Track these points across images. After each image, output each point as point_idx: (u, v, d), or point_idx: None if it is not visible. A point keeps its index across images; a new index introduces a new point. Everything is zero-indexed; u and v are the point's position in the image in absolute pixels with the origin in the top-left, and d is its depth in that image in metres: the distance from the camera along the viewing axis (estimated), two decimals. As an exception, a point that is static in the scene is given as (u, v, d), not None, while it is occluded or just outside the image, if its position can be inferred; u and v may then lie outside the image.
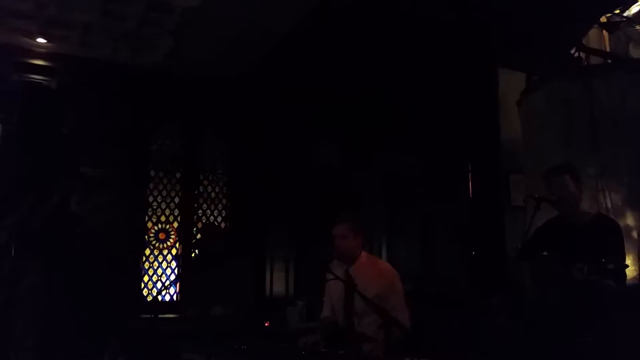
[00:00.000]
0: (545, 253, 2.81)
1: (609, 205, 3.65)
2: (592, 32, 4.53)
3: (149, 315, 4.10)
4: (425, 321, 3.57)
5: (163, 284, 5.37)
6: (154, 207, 5.49)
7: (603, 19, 4.35)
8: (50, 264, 4.49)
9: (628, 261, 2.85)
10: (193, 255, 5.52)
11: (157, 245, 5.44)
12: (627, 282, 2.71)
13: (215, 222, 5.73)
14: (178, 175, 5.66)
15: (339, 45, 4.57)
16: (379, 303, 3.01)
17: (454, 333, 3.69)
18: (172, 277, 5.44)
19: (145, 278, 5.34)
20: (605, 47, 4.65)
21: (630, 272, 2.77)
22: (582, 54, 4.34)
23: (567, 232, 2.94)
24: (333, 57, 4.76)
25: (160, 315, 4.43)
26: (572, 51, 4.32)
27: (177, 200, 5.61)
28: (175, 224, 5.57)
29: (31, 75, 5.03)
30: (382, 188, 4.92)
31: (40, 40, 4.88)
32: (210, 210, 5.77)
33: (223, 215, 5.82)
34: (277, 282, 5.57)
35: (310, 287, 3.79)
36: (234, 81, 5.58)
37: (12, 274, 4.27)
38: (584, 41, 4.44)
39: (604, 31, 4.55)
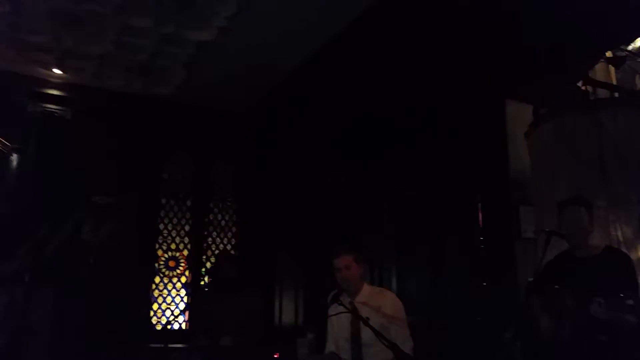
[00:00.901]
0: (556, 287, 2.82)
1: (620, 237, 3.65)
2: (599, 66, 4.59)
3: (158, 345, 4.09)
4: (435, 353, 3.56)
5: (172, 312, 5.37)
6: (164, 234, 5.53)
7: (609, 54, 4.42)
8: (63, 291, 4.53)
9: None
10: (203, 283, 5.53)
11: (166, 273, 5.46)
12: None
13: (226, 250, 5.76)
14: (189, 203, 5.72)
15: (345, 79, 4.66)
16: (385, 333, 3.02)
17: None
18: (182, 305, 5.44)
19: (155, 306, 5.35)
20: (612, 80, 4.70)
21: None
22: (589, 87, 4.39)
23: (578, 265, 2.94)
24: (340, 91, 4.84)
25: (169, 345, 4.43)
26: (580, 84, 4.37)
27: (187, 228, 5.66)
28: (185, 252, 5.60)
29: (47, 105, 5.13)
30: (392, 219, 4.94)
31: (56, 71, 4.99)
32: (220, 238, 5.80)
33: (232, 243, 5.85)
34: (287, 313, 5.56)
35: (319, 319, 3.78)
36: (245, 112, 5.67)
37: (25, 301, 4.30)
38: (591, 74, 4.49)
39: (610, 65, 4.61)
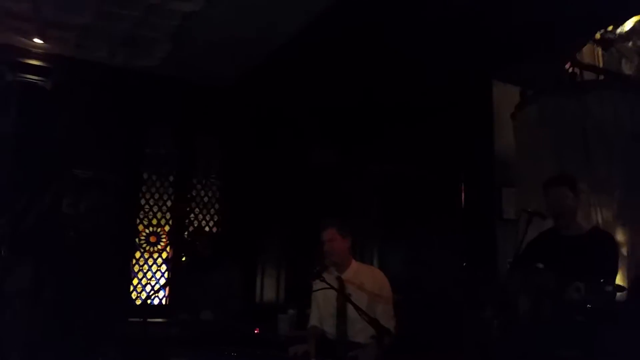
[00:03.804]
0: (539, 265, 2.83)
1: (600, 220, 3.69)
2: (586, 48, 4.59)
3: (138, 319, 4.07)
4: (416, 331, 3.59)
5: (152, 287, 5.35)
6: (146, 209, 5.47)
7: (597, 36, 4.41)
8: (41, 265, 4.47)
9: (618, 277, 2.87)
10: (183, 259, 5.50)
11: (147, 248, 5.41)
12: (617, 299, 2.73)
13: (207, 227, 5.72)
14: (171, 178, 5.65)
15: (334, 55, 4.60)
16: (370, 311, 3.03)
17: (444, 344, 3.70)
18: (162, 280, 5.41)
19: (135, 281, 5.31)
20: (598, 63, 4.70)
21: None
22: (576, 69, 4.39)
23: (562, 244, 2.96)
24: (328, 67, 4.78)
25: (149, 319, 4.41)
26: (567, 66, 4.37)
27: (169, 203, 5.60)
28: (167, 228, 5.54)
29: (26, 75, 5.01)
30: (375, 197, 4.94)
31: (37, 40, 4.86)
32: (202, 214, 5.76)
33: (215, 220, 5.81)
34: (268, 289, 5.56)
35: (301, 295, 3.79)
36: (229, 87, 5.59)
37: (2, 274, 4.25)
38: (577, 56, 4.49)
39: (595, 47, 4.61)
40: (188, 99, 5.59)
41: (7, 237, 4.40)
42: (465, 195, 4.23)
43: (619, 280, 2.77)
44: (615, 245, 2.96)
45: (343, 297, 3.21)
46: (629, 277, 3.59)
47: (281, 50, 4.83)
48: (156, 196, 5.54)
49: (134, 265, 5.32)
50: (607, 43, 4.39)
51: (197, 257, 4.49)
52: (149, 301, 5.14)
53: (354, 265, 3.46)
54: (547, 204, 3.03)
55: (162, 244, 5.47)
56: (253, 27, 4.56)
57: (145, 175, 5.51)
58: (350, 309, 3.19)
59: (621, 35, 4.43)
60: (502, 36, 4.05)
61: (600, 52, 4.59)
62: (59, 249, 4.64)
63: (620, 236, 3.67)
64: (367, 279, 3.36)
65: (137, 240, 5.36)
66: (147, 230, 5.43)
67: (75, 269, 4.62)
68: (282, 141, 5.77)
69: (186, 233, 5.57)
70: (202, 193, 5.81)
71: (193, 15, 4.37)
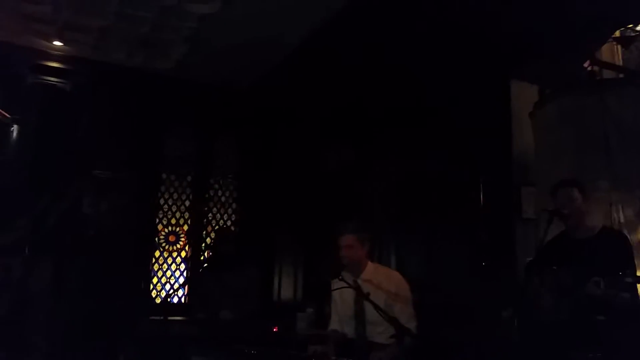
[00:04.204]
0: (554, 267, 2.83)
1: (622, 219, 3.65)
2: (606, 46, 4.54)
3: (158, 317, 4.12)
4: (435, 331, 3.58)
5: (172, 286, 5.41)
6: (165, 209, 5.53)
7: (617, 34, 4.36)
8: (62, 264, 4.54)
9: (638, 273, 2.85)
10: (202, 258, 5.56)
11: (167, 247, 5.48)
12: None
13: (226, 226, 5.77)
14: (189, 178, 5.71)
15: (349, 55, 4.60)
16: (389, 310, 3.04)
17: (464, 344, 3.69)
18: (181, 279, 5.47)
19: (155, 280, 5.38)
20: (618, 61, 4.65)
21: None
22: (596, 68, 4.35)
23: (575, 246, 2.95)
24: (345, 66, 4.78)
25: (169, 318, 4.45)
26: (586, 64, 4.33)
27: (187, 203, 5.66)
28: (185, 227, 5.61)
29: (47, 78, 5.08)
30: (393, 196, 4.93)
31: (57, 43, 4.93)
32: (220, 214, 5.81)
33: (232, 219, 5.85)
34: (286, 288, 5.59)
35: (319, 294, 3.81)
36: (246, 87, 5.62)
37: (24, 273, 4.32)
38: (597, 55, 4.44)
39: (617, 45, 4.56)
40: (205, 100, 5.64)
41: (30, 237, 4.48)
42: (484, 194, 4.20)
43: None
44: (626, 241, 2.95)
45: (361, 298, 3.22)
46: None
47: (296, 52, 4.84)
48: (175, 196, 5.60)
49: (154, 264, 5.38)
50: (627, 41, 4.33)
51: (221, 257, 4.53)
52: (168, 299, 5.20)
53: (371, 267, 3.47)
54: (555, 205, 3.02)
55: (181, 243, 5.53)
56: (269, 29, 4.58)
57: (164, 176, 5.58)
58: (368, 310, 3.21)
59: (641, 32, 4.38)
60: (520, 34, 4.01)
61: (620, 50, 4.54)
62: (80, 248, 4.71)
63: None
64: (384, 279, 3.37)
65: (156, 239, 5.42)
66: (166, 230, 5.50)
67: (96, 268, 4.69)
68: (298, 141, 5.78)
69: (204, 232, 5.62)
70: (220, 193, 5.86)
71: (209, 17, 4.40)
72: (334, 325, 3.52)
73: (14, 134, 4.69)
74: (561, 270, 2.81)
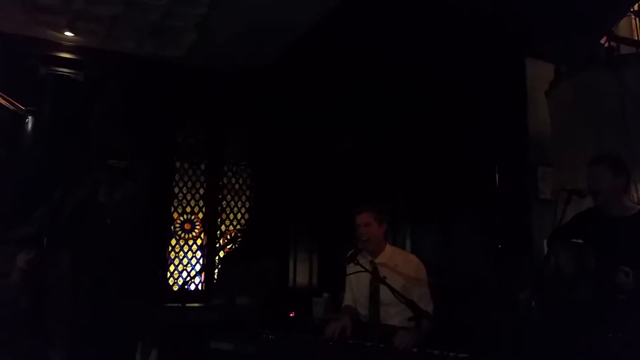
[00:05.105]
0: (581, 244, 2.74)
1: (640, 198, 3.58)
2: (624, 20, 4.43)
3: (176, 304, 4.16)
4: (452, 314, 3.57)
5: (189, 273, 5.45)
6: (180, 198, 5.56)
7: (635, 7, 4.26)
8: (79, 254, 4.58)
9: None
10: (218, 245, 5.59)
11: (182, 235, 5.51)
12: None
13: (239, 214, 5.78)
14: (203, 166, 5.72)
15: (363, 38, 4.54)
16: (406, 294, 3.02)
17: (481, 327, 3.67)
18: (198, 267, 5.51)
19: (171, 268, 5.42)
20: (636, 36, 4.55)
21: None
22: (613, 43, 4.25)
23: (606, 225, 2.82)
24: (354, 51, 4.73)
25: (186, 304, 4.50)
26: (603, 40, 4.24)
27: (202, 191, 5.68)
28: (200, 215, 5.63)
29: (59, 69, 5.10)
30: (407, 180, 4.90)
31: (68, 33, 4.94)
32: (234, 201, 5.82)
33: (247, 206, 5.87)
34: (302, 273, 5.60)
35: (335, 279, 3.81)
36: (257, 74, 5.59)
37: (43, 263, 4.36)
38: (614, 30, 4.34)
39: (636, 19, 4.45)
40: (216, 88, 5.63)
41: (47, 227, 4.51)
42: (500, 175, 4.15)
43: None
44: None
45: (377, 281, 3.20)
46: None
47: (307, 38, 4.80)
48: (189, 184, 5.62)
49: (170, 252, 5.42)
50: (646, 13, 4.24)
51: (239, 243, 4.55)
52: (185, 287, 5.24)
53: (389, 249, 3.45)
54: (587, 182, 2.94)
55: (196, 231, 5.56)
56: (278, 14, 4.53)
57: (177, 164, 5.59)
58: (383, 292, 3.19)
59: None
60: (535, 11, 3.93)
61: (638, 24, 4.44)
62: (97, 237, 4.75)
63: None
64: (401, 262, 3.35)
65: (172, 227, 5.45)
66: (181, 218, 5.53)
67: (113, 256, 4.72)
68: (311, 127, 5.76)
69: (219, 219, 5.65)
70: (233, 180, 5.87)
71: (219, 3, 4.37)
72: (348, 302, 3.52)
73: (29, 125, 4.72)
74: (589, 249, 2.72)
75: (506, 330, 3.47)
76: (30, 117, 4.62)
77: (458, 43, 4.29)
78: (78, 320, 4.43)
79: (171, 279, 5.40)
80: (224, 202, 5.76)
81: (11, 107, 4.42)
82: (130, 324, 4.28)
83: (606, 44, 4.24)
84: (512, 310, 3.58)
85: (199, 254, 5.56)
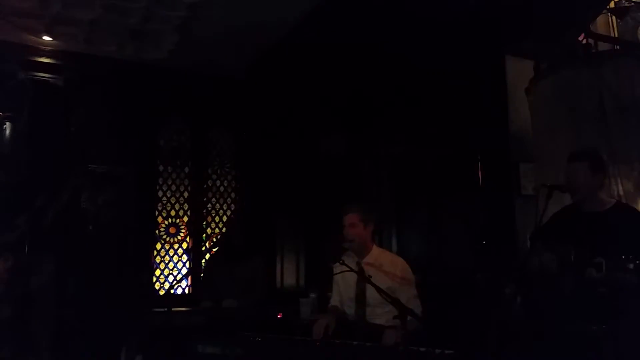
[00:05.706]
0: (560, 240, 2.79)
1: (621, 192, 3.64)
2: (600, 18, 4.50)
3: (162, 309, 4.13)
4: (438, 312, 3.59)
5: (175, 277, 5.41)
6: (164, 201, 5.52)
7: (611, 4, 4.32)
8: (62, 260, 4.53)
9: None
10: (204, 248, 5.56)
11: (167, 239, 5.48)
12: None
13: (224, 216, 5.76)
14: (187, 169, 5.69)
15: (345, 37, 4.55)
16: (391, 293, 3.04)
17: (467, 323, 3.70)
18: (184, 270, 5.48)
19: (157, 272, 5.38)
20: (613, 33, 4.61)
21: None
22: (591, 40, 4.31)
23: (584, 219, 2.89)
24: (340, 49, 4.73)
25: (173, 309, 4.47)
26: (580, 38, 4.29)
27: (186, 194, 5.64)
28: (185, 218, 5.60)
29: (38, 73, 5.04)
30: (391, 179, 4.92)
31: (46, 38, 4.88)
32: (219, 204, 5.80)
33: (232, 209, 5.84)
34: (289, 274, 5.59)
35: (321, 280, 3.82)
36: (240, 75, 5.57)
37: (26, 271, 4.31)
38: (592, 27, 4.40)
39: (612, 17, 4.52)
40: (199, 90, 5.60)
41: (29, 235, 4.46)
42: (483, 172, 4.19)
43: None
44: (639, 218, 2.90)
45: (363, 281, 3.22)
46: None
47: (290, 38, 4.79)
48: (173, 188, 5.59)
49: (156, 256, 5.38)
50: (622, 12, 4.30)
51: (226, 246, 4.53)
52: (172, 291, 5.21)
53: (375, 250, 3.47)
54: (565, 179, 2.99)
55: (181, 234, 5.53)
56: (260, 16, 4.52)
57: (161, 168, 5.55)
58: (369, 293, 3.21)
59: (636, 3, 4.33)
60: (515, 8, 3.97)
61: (615, 21, 4.50)
62: (80, 244, 4.71)
63: (641, 207, 3.61)
64: (387, 263, 3.37)
65: (157, 231, 5.41)
66: (166, 222, 5.49)
67: (97, 262, 4.68)
68: (295, 128, 5.75)
69: (205, 223, 5.62)
70: (218, 183, 5.84)
71: (198, 5, 4.35)
72: (334, 302, 3.54)
73: (7, 131, 4.65)
74: (568, 244, 2.76)
75: (492, 325, 3.50)
76: (8, 123, 4.56)
77: (439, 41, 4.32)
78: (62, 327, 4.38)
79: (157, 283, 5.36)
80: (209, 205, 5.73)
81: (-11, 114, 4.36)
82: (115, 329, 4.24)
83: (584, 41, 4.29)
84: (497, 305, 3.60)
85: (184, 257, 5.52)
